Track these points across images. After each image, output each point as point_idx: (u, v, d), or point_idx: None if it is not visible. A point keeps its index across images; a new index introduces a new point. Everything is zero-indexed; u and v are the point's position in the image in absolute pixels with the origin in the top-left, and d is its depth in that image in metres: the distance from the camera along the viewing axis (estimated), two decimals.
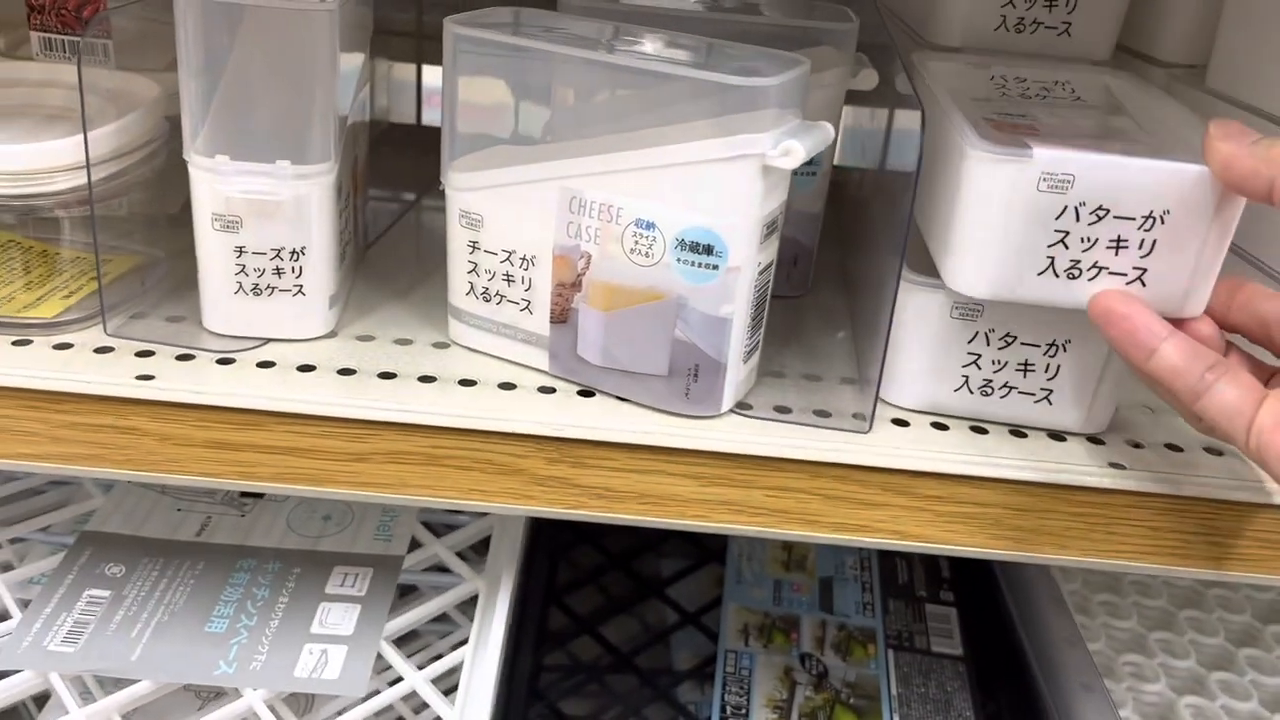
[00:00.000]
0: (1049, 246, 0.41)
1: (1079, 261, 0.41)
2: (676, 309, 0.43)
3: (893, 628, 0.72)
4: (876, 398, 0.45)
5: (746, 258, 0.41)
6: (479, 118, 0.45)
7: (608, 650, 0.71)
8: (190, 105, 0.44)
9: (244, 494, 0.60)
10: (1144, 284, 0.41)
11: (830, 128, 0.42)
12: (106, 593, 0.52)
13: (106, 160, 0.45)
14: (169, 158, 0.51)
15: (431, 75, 0.78)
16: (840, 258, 0.63)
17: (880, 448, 0.44)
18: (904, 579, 0.77)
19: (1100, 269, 0.41)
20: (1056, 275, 0.42)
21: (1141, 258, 0.41)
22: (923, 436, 0.45)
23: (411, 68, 0.78)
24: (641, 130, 0.41)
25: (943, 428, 0.46)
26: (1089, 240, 0.41)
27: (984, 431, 0.46)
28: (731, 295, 0.42)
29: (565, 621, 0.73)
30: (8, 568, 0.56)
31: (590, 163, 0.42)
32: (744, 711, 0.64)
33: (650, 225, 0.42)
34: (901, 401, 0.47)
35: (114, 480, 0.61)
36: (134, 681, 0.48)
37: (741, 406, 0.46)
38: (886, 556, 0.79)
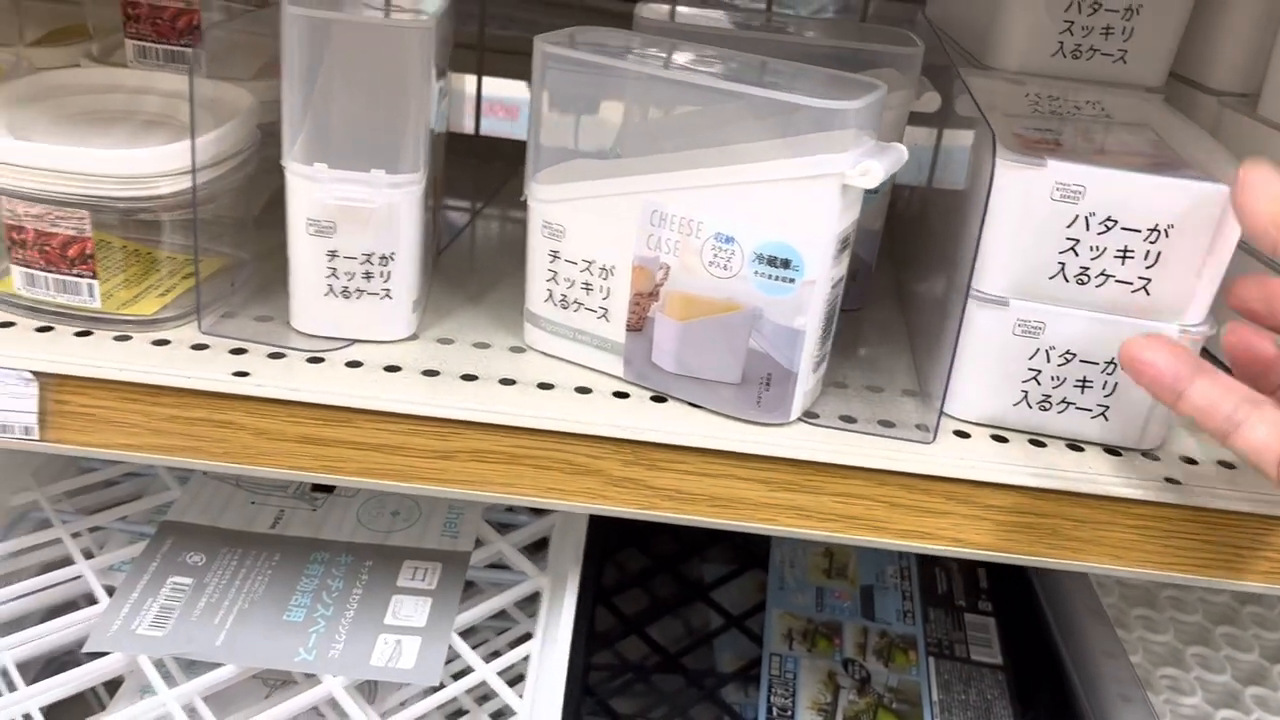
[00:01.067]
0: (1060, 253, 0.45)
1: (1088, 269, 0.45)
2: (752, 320, 0.44)
3: (933, 636, 0.73)
4: (941, 410, 0.47)
5: (821, 272, 0.43)
6: (564, 133, 0.47)
7: (654, 650, 0.73)
8: (290, 115, 0.46)
9: (315, 488, 0.62)
10: (1148, 293, 0.45)
11: (903, 149, 0.44)
12: (189, 580, 0.54)
13: (209, 166, 0.47)
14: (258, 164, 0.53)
15: (489, 86, 0.80)
16: (894, 272, 0.65)
17: (944, 458, 0.46)
18: (943, 588, 0.78)
19: (1108, 276, 0.45)
20: (1067, 280, 0.45)
21: (1146, 268, 0.44)
22: (984, 448, 0.47)
23: (466, 77, 0.80)
24: (722, 146, 0.43)
25: (1002, 440, 0.48)
26: (1097, 249, 0.44)
27: (1042, 445, 0.48)
28: (805, 307, 0.44)
29: (613, 621, 0.75)
30: (88, 555, 0.58)
31: (672, 178, 0.44)
32: (790, 713, 0.66)
33: (730, 239, 0.44)
34: (962, 414, 0.49)
35: (198, 471, 0.63)
36: (214, 666, 0.50)
37: (809, 415, 0.48)
38: (926, 566, 0.80)
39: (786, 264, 0.43)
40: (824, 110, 0.41)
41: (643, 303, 0.47)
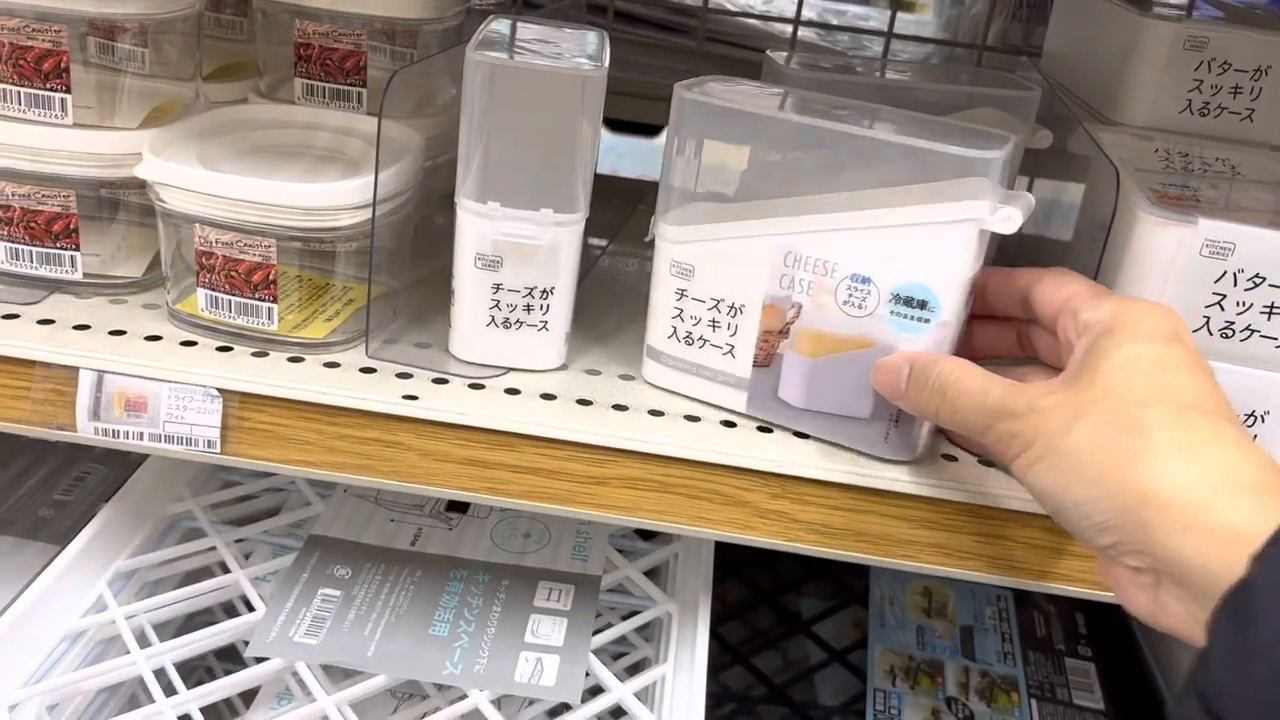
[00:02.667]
0: (1206, 307, 0.46)
1: (1233, 323, 0.46)
2: (884, 356, 0.46)
3: (1034, 678, 0.74)
4: None
5: (954, 313, 0.45)
6: (697, 175, 0.49)
7: (759, 680, 0.74)
8: (466, 154, 0.49)
9: (449, 508, 0.64)
10: None
11: (1031, 196, 0.46)
12: (338, 593, 0.56)
13: (383, 200, 0.50)
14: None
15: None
16: None
17: None
18: (1042, 632, 0.79)
19: (1253, 331, 0.46)
20: (1211, 334, 0.47)
21: None
22: None
23: None
24: (856, 191, 0.45)
25: None
26: (1244, 305, 0.46)
27: None
28: (938, 346, 0.45)
29: (716, 650, 0.76)
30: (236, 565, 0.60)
31: (808, 221, 0.46)
32: None
33: (866, 280, 0.45)
34: None
35: (340, 488, 0.66)
36: (362, 676, 0.53)
37: (948, 457, 0.50)
38: (1024, 609, 0.81)
39: (923, 305, 0.45)
40: (967, 159, 0.43)
41: (771, 340, 0.48)
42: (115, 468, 0.74)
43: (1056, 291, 0.44)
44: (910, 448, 0.48)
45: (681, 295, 0.50)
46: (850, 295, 0.46)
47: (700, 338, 0.50)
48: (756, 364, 0.49)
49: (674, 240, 0.49)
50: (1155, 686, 0.74)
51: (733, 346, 0.50)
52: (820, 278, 0.46)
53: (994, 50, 0.85)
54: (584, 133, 0.49)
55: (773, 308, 0.48)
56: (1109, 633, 0.79)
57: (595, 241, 0.71)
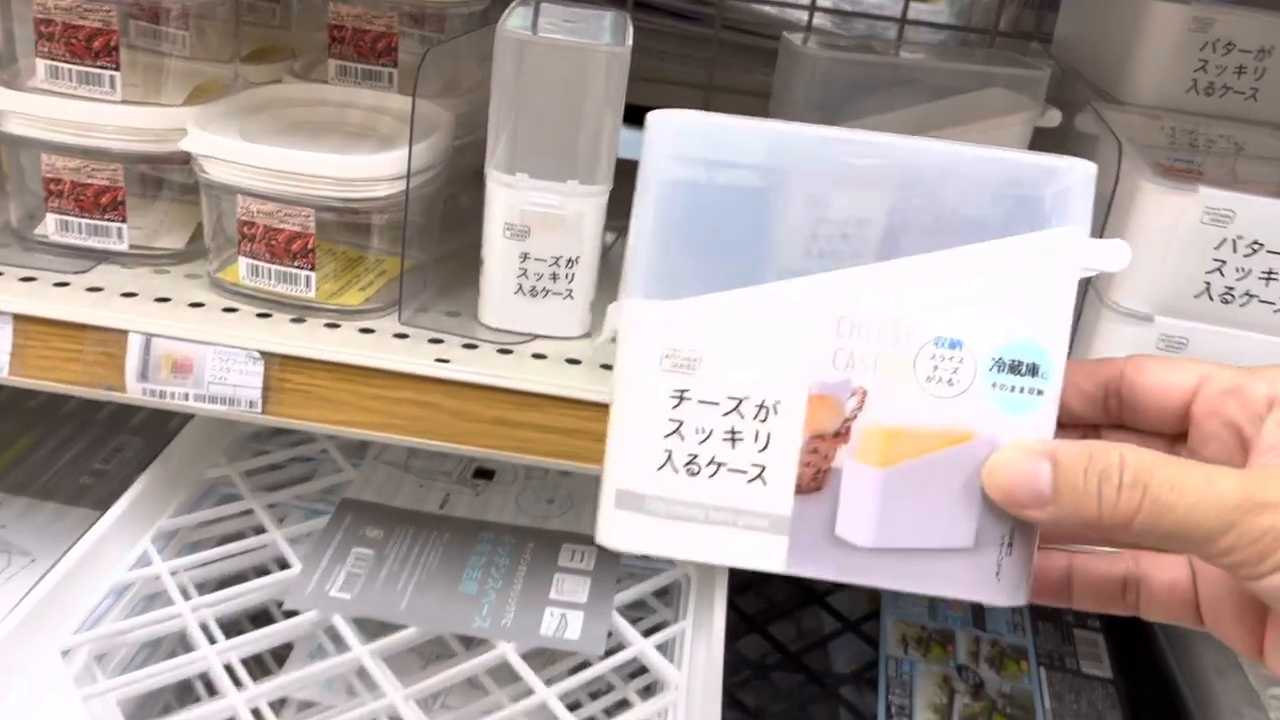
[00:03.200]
0: (1206, 273, 0.48)
1: (1233, 289, 0.48)
2: (987, 453, 0.33)
3: (1043, 648, 0.76)
4: None
5: (1061, 375, 0.34)
6: (709, 235, 0.34)
7: (774, 648, 0.76)
8: (495, 128, 0.51)
9: (475, 475, 0.67)
10: None
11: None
12: (370, 552, 0.59)
13: (416, 174, 0.53)
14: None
15: None
16: None
17: None
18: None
19: (1251, 297, 0.48)
20: (1211, 299, 0.48)
21: None
22: None
23: None
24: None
25: None
26: (1243, 270, 0.48)
27: None
28: (1050, 429, 0.33)
29: (733, 619, 0.78)
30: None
31: (871, 271, 0.34)
32: (908, 712, 0.69)
33: (956, 343, 0.33)
34: None
35: (370, 456, 0.68)
36: (396, 629, 0.55)
37: None
38: None
39: (1034, 370, 0.33)
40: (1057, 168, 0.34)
41: (823, 448, 0.34)
42: (151, 440, 0.77)
43: (1172, 376, 0.36)
44: (1022, 583, 0.34)
45: (680, 400, 0.34)
46: (936, 368, 0.33)
47: (711, 461, 0.34)
48: (802, 489, 0.34)
49: (663, 322, 0.34)
50: (1162, 657, 0.76)
51: (763, 467, 0.34)
52: (890, 348, 0.34)
53: (1006, 36, 0.87)
54: (608, 107, 0.51)
55: (823, 399, 0.34)
56: None
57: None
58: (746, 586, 0.83)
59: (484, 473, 0.67)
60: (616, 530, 0.34)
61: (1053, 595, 0.38)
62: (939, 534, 0.34)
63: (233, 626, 0.63)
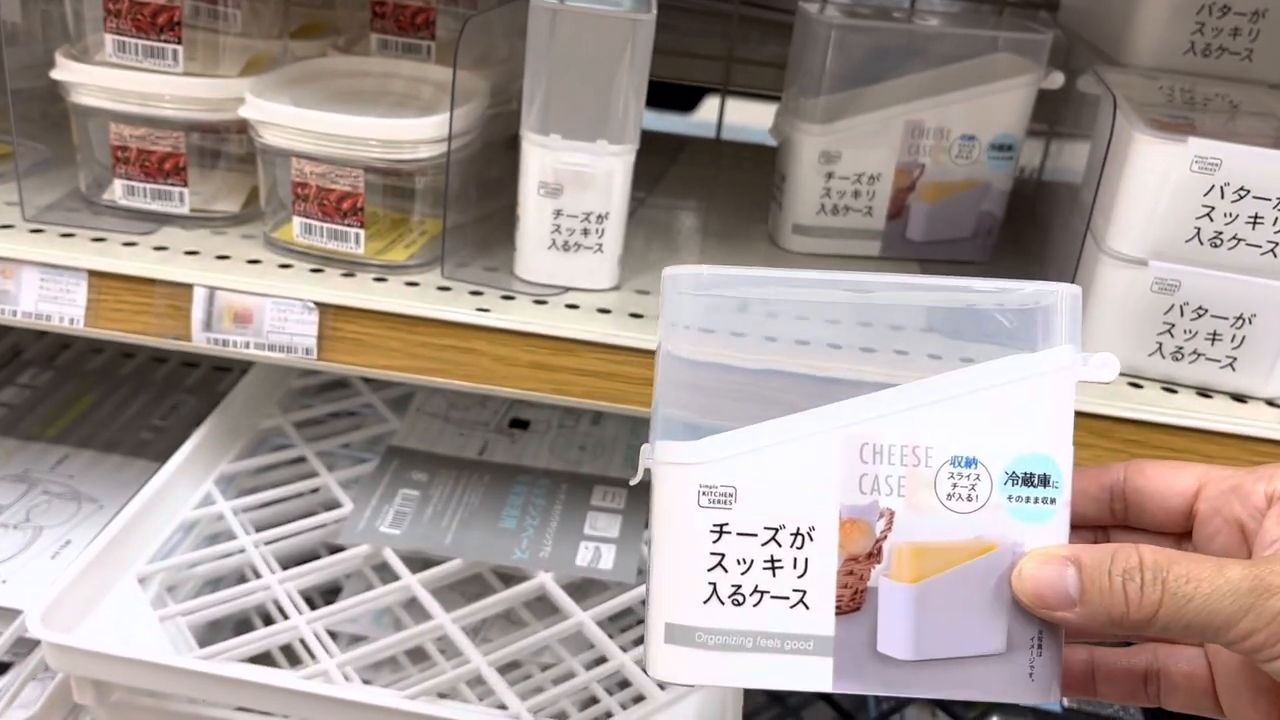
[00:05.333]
0: (1196, 219, 0.51)
1: (1221, 233, 0.51)
2: (1010, 561, 0.36)
3: None
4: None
5: (1070, 482, 0.36)
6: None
7: None
8: (530, 92, 0.55)
9: (511, 425, 0.71)
10: (1275, 255, 0.51)
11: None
12: (416, 493, 0.63)
13: (456, 136, 0.57)
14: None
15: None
16: (1015, 228, 0.71)
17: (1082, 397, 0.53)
18: None
19: (1239, 240, 0.51)
20: (1201, 243, 0.52)
21: (1275, 232, 0.51)
22: (1121, 391, 0.54)
23: None
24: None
25: (1138, 386, 0.55)
26: (1231, 215, 0.51)
27: (1174, 391, 0.54)
28: (1064, 534, 0.36)
29: None
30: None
31: (889, 398, 0.36)
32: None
33: (971, 461, 0.36)
34: None
35: (414, 407, 0.73)
36: (443, 561, 0.59)
37: None
38: None
39: (1045, 480, 0.36)
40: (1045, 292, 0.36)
41: (858, 569, 0.36)
42: (204, 399, 0.82)
43: (1174, 479, 0.38)
44: (1054, 681, 0.36)
45: (720, 534, 0.36)
46: (955, 485, 0.36)
47: (755, 590, 0.36)
48: (842, 609, 0.36)
49: (697, 461, 0.36)
50: None
51: (804, 592, 0.36)
52: (913, 469, 0.36)
53: (1015, 5, 0.90)
54: (635, 71, 0.54)
55: (854, 522, 0.36)
56: None
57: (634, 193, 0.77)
58: None
59: (519, 422, 0.71)
60: (668, 664, 0.36)
61: (1079, 689, 0.40)
62: (973, 641, 0.36)
63: (288, 565, 0.68)
